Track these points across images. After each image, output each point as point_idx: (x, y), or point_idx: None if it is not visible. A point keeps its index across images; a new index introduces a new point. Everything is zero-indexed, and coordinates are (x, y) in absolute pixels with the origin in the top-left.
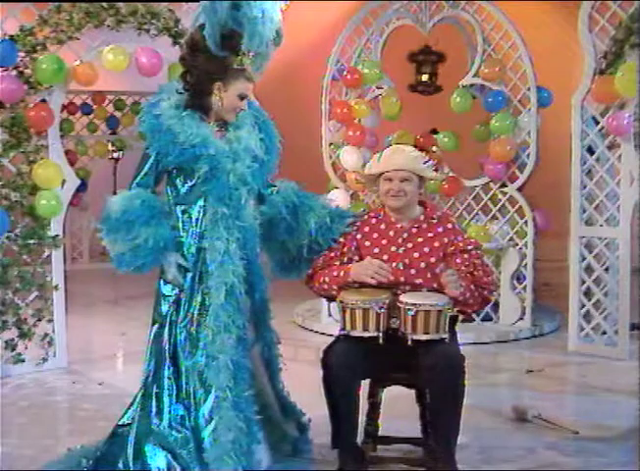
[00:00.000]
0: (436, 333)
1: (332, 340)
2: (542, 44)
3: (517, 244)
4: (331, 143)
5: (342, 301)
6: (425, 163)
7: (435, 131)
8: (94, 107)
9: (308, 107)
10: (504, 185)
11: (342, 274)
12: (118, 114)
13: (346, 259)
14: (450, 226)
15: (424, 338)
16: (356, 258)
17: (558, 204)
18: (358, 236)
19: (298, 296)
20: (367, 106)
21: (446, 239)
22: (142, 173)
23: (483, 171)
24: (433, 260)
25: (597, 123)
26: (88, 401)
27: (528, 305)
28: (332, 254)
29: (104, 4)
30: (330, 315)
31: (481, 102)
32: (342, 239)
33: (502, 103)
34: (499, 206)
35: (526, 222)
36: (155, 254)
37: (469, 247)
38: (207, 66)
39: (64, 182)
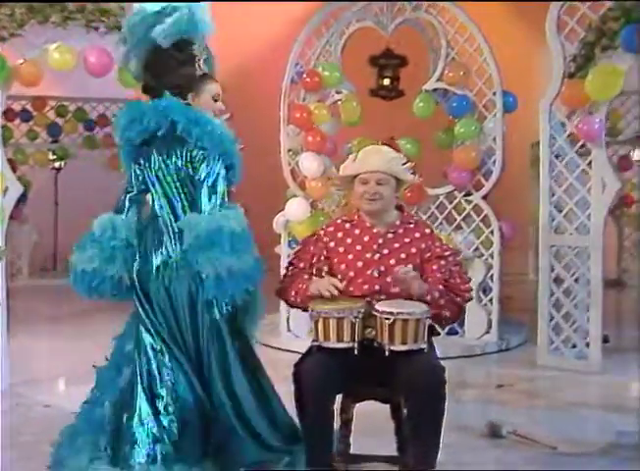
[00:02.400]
0: (414, 343)
1: (292, 355)
2: (504, 48)
3: (483, 255)
4: (289, 149)
5: (314, 311)
6: (403, 165)
7: (392, 140)
8: (34, 113)
9: (266, 111)
10: (468, 194)
11: (304, 287)
12: (60, 121)
13: (314, 270)
14: (427, 231)
15: (402, 348)
16: (325, 268)
17: (519, 214)
18: (331, 244)
19: None
20: (327, 111)
21: (423, 245)
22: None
23: (447, 179)
24: (410, 267)
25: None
26: (33, 425)
27: (494, 318)
28: (301, 264)
29: None
30: (289, 330)
31: (444, 107)
32: (311, 248)
33: (466, 108)
34: (463, 215)
35: (492, 231)
36: None
37: (446, 254)
38: (176, 79)
39: (6, 189)
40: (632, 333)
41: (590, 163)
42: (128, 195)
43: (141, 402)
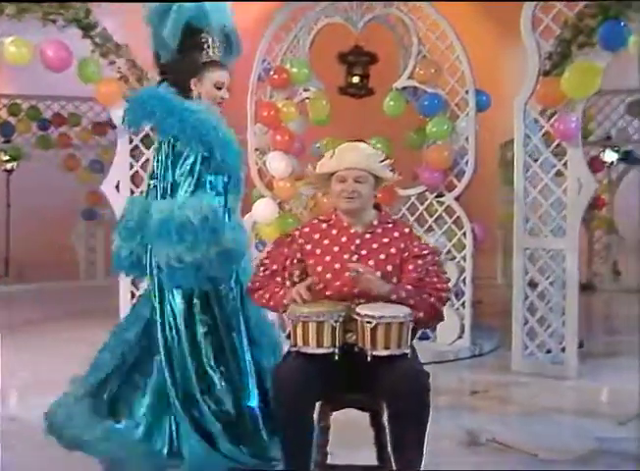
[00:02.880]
0: (397, 348)
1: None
2: (475, 46)
3: (455, 258)
4: (257, 148)
5: (292, 314)
6: (381, 162)
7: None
8: None
9: (232, 109)
10: (440, 195)
11: (280, 293)
12: (12, 120)
13: (287, 274)
14: (406, 230)
15: (385, 353)
16: (297, 272)
17: (487, 216)
18: (307, 246)
19: None
20: (295, 109)
21: (402, 245)
22: None
23: (418, 179)
24: (389, 268)
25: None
26: None
27: (467, 323)
28: (273, 266)
29: None
30: None
31: (415, 106)
32: (285, 249)
33: (438, 107)
34: (435, 217)
35: (464, 233)
36: None
37: (424, 252)
38: (181, 64)
39: None
40: (605, 337)
41: (565, 163)
42: (149, 180)
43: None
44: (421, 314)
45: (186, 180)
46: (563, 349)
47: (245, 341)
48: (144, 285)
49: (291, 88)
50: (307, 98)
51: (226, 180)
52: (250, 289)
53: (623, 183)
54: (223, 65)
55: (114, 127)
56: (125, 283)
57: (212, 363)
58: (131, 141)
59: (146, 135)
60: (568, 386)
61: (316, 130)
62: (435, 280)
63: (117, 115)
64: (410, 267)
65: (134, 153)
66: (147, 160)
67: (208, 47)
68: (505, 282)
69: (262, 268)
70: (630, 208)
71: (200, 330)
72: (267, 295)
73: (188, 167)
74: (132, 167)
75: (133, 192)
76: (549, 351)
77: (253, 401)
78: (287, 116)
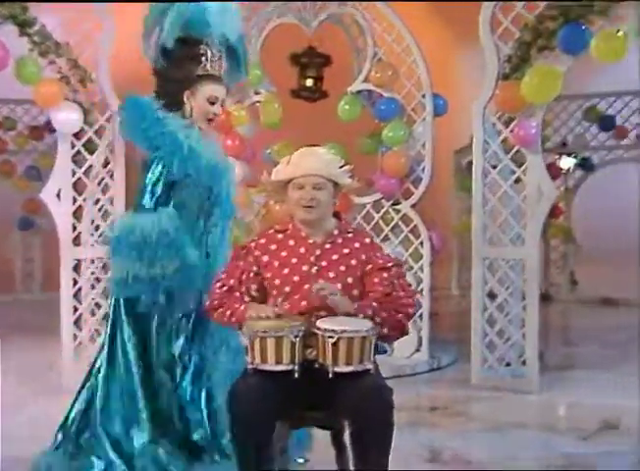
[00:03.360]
0: (360, 363)
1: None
2: (431, 49)
3: (412, 268)
4: None
5: (250, 329)
6: (341, 168)
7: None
8: None
9: None
10: (396, 203)
11: (241, 308)
12: None
13: (244, 288)
14: (367, 241)
15: (347, 369)
16: (254, 286)
17: (442, 225)
18: (264, 258)
19: None
20: (246, 112)
21: (363, 256)
22: None
23: (373, 187)
24: (350, 280)
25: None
26: None
27: (425, 336)
28: (230, 281)
29: None
30: None
31: (370, 111)
32: (240, 263)
33: (395, 111)
34: (391, 226)
35: (421, 243)
36: None
37: (389, 265)
38: (175, 75)
39: None
40: (563, 349)
41: (525, 170)
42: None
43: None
44: (386, 330)
45: (150, 191)
46: (524, 362)
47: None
48: (89, 299)
49: (241, 91)
50: (258, 101)
51: (204, 200)
52: (209, 309)
53: (581, 190)
54: (219, 79)
55: (53, 130)
56: (67, 297)
57: None
58: (72, 146)
59: (89, 140)
60: (530, 400)
61: (267, 134)
62: (401, 294)
63: (57, 118)
64: (376, 280)
65: (77, 159)
66: (91, 166)
67: (206, 60)
68: (460, 293)
69: (219, 284)
70: (588, 216)
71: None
72: (228, 313)
73: (153, 179)
74: (74, 174)
75: (75, 200)
76: (508, 364)
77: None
78: (237, 120)
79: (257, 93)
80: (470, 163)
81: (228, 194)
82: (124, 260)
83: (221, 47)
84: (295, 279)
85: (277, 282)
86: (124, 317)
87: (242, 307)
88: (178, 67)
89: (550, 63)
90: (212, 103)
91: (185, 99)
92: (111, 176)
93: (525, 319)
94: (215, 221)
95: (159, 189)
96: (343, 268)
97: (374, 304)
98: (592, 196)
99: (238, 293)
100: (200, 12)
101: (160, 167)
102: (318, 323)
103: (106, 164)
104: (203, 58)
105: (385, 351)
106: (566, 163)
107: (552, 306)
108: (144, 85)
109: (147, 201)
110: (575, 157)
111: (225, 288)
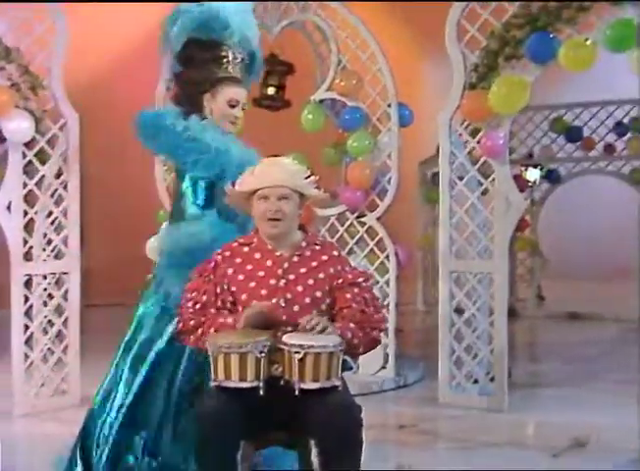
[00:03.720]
0: (327, 380)
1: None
2: (397, 57)
3: (378, 282)
4: (164, 165)
5: (212, 344)
6: (307, 178)
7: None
8: None
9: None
10: (361, 215)
11: (229, 321)
12: None
13: (220, 302)
14: (335, 253)
15: (314, 386)
16: (231, 299)
17: (407, 238)
18: (229, 271)
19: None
20: None
21: (332, 270)
22: None
23: (337, 199)
24: (319, 294)
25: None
26: None
27: (391, 353)
28: (204, 298)
29: None
30: None
31: (333, 120)
32: (211, 276)
33: (359, 121)
34: (356, 239)
35: (387, 256)
36: None
37: (359, 280)
38: (194, 78)
39: None
40: (531, 366)
41: (492, 181)
42: None
43: None
44: (361, 349)
45: (186, 202)
46: (492, 379)
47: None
48: (41, 317)
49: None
50: None
51: None
52: (183, 332)
53: (547, 202)
54: (240, 82)
55: (3, 140)
56: (17, 314)
57: None
58: (24, 156)
59: (41, 150)
60: (498, 418)
61: None
62: (372, 310)
63: (7, 127)
64: (348, 296)
65: (28, 169)
66: (43, 177)
67: (227, 62)
68: (425, 308)
69: (190, 304)
70: (555, 229)
71: None
72: (212, 330)
73: (190, 188)
74: (25, 185)
75: (26, 213)
76: (476, 381)
77: None
78: None
79: None
80: (435, 174)
81: None
82: (180, 272)
83: (242, 50)
84: (263, 292)
85: (243, 296)
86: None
87: (230, 320)
88: (199, 69)
89: (517, 72)
90: (233, 106)
91: (204, 102)
92: (64, 187)
93: (493, 334)
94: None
95: (199, 195)
96: (311, 281)
97: (351, 326)
98: (559, 209)
99: (213, 309)
100: (214, 13)
101: (192, 172)
102: (284, 338)
103: (59, 175)
104: (225, 60)
105: (350, 368)
106: (533, 175)
107: (518, 322)
108: (100, 91)
109: (191, 208)
110: (541, 169)
111: (198, 306)
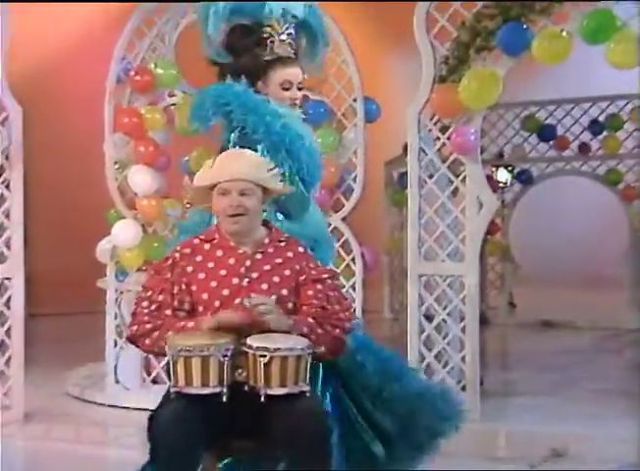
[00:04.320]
0: (295, 385)
1: (122, 412)
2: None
3: (344, 286)
4: (116, 162)
5: (172, 348)
6: (270, 171)
7: None
8: None
9: (87, 116)
10: (326, 215)
11: (189, 325)
12: None
13: (176, 303)
14: (300, 250)
15: (281, 392)
16: (188, 299)
17: (373, 241)
18: (189, 269)
19: (72, 359)
20: (161, 116)
21: (297, 266)
22: None
23: None
24: (285, 292)
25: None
26: None
27: None
28: (160, 297)
29: None
30: (117, 381)
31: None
32: (168, 275)
33: (324, 116)
34: None
35: (353, 259)
36: None
37: (324, 276)
38: (241, 67)
39: None
40: (503, 375)
41: (463, 180)
42: None
43: None
44: (323, 349)
45: None
46: (464, 388)
47: None
48: None
49: (155, 92)
50: (174, 104)
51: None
52: (138, 335)
53: (519, 205)
54: (292, 61)
55: None
56: None
57: None
58: None
59: None
60: (471, 428)
61: (183, 141)
62: (337, 308)
63: None
64: (310, 293)
65: None
66: None
67: (272, 42)
68: (392, 316)
69: (145, 304)
70: (527, 233)
71: None
72: (170, 335)
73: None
74: None
75: None
76: None
77: None
78: (151, 124)
79: (172, 95)
80: (403, 175)
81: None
82: None
83: (289, 25)
84: (225, 292)
85: (204, 296)
86: None
87: (191, 324)
88: (243, 57)
89: (489, 65)
90: (286, 88)
91: (259, 90)
92: (7, 186)
93: (465, 341)
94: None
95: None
96: (276, 279)
97: (310, 320)
98: (531, 212)
99: (169, 310)
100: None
101: (236, 130)
102: (249, 340)
103: (0, 172)
104: (269, 41)
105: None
106: (504, 176)
107: (490, 330)
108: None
109: None
110: (513, 169)
111: (154, 307)
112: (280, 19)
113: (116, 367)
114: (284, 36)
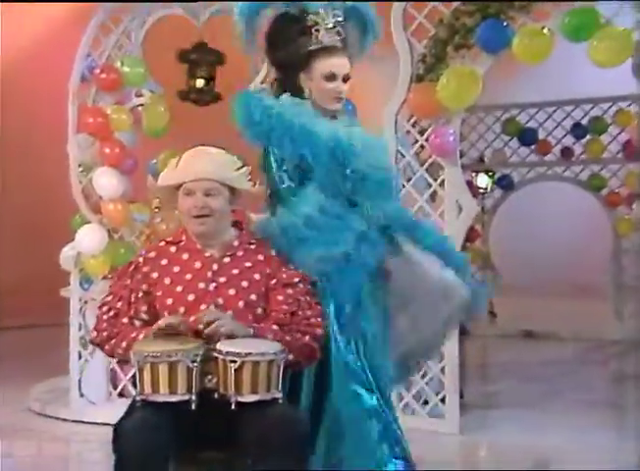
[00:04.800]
0: (267, 391)
1: (87, 427)
2: None
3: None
4: (80, 164)
5: (138, 354)
6: (238, 170)
7: None
8: None
9: (50, 116)
10: None
11: (140, 337)
12: None
13: (132, 311)
14: (272, 252)
15: (252, 399)
16: (144, 308)
17: None
18: (153, 275)
19: (34, 374)
20: (128, 116)
21: (268, 270)
22: None
23: None
24: (254, 297)
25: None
26: None
27: None
28: (118, 304)
29: None
30: (82, 395)
31: None
32: (128, 281)
33: None
34: None
35: None
36: None
37: (295, 280)
38: (284, 58)
39: None
40: (483, 387)
41: (442, 183)
42: None
43: None
44: (292, 356)
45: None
46: (443, 400)
47: None
48: None
49: (121, 91)
50: (141, 104)
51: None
52: (97, 342)
53: (500, 211)
54: (338, 51)
55: None
56: None
57: None
58: None
59: None
60: (452, 441)
61: (152, 142)
62: (308, 313)
63: None
64: (280, 298)
65: None
66: None
67: (317, 31)
68: None
69: (105, 308)
70: (508, 240)
71: None
72: (124, 344)
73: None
74: None
75: None
76: (426, 402)
77: None
78: (117, 124)
79: (140, 95)
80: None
81: (371, 174)
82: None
83: (336, 12)
84: (190, 298)
85: (169, 301)
86: None
87: (141, 336)
88: (287, 47)
89: (468, 63)
90: (330, 80)
91: (302, 83)
92: None
93: (444, 352)
94: (361, 201)
95: (289, 174)
96: (245, 284)
97: (274, 327)
98: (512, 218)
99: (126, 319)
100: None
101: (276, 151)
102: (219, 345)
103: None
104: (314, 29)
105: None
106: (484, 181)
107: (469, 341)
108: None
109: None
110: (493, 175)
111: (112, 314)
112: (327, 5)
113: (80, 380)
114: (330, 23)
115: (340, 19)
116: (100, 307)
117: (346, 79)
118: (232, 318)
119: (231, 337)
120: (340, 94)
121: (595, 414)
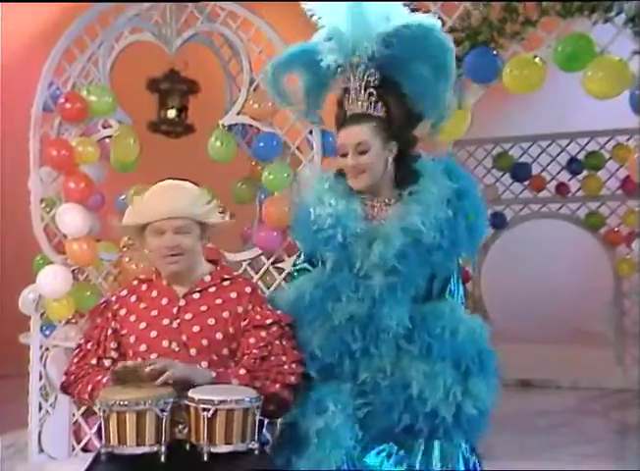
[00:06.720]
0: (242, 442)
1: None
2: None
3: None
4: (42, 199)
5: (104, 402)
6: (207, 203)
7: None
8: None
9: (11, 149)
10: (279, 260)
11: (104, 380)
12: None
13: (101, 350)
14: (247, 290)
15: (225, 449)
16: (114, 346)
17: None
18: (121, 312)
19: None
20: (95, 148)
21: (240, 309)
22: None
23: (250, 241)
24: (219, 336)
25: None
26: None
27: None
28: (88, 345)
29: None
30: (42, 450)
31: (245, 149)
32: (98, 320)
33: (276, 149)
34: (274, 287)
35: None
36: None
37: (268, 322)
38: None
39: None
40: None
41: None
42: None
43: None
44: (268, 405)
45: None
46: None
47: None
48: None
49: (87, 122)
50: (109, 136)
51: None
52: (65, 387)
53: (491, 251)
54: (359, 118)
55: None
56: None
57: None
58: None
59: None
60: None
61: (120, 176)
62: (283, 359)
63: None
64: (251, 340)
65: None
66: None
67: (347, 95)
68: None
69: (77, 351)
70: (501, 283)
71: None
72: (89, 387)
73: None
74: None
75: None
76: None
77: None
78: (83, 157)
79: (107, 126)
80: None
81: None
82: None
83: (368, 65)
84: (153, 334)
85: (132, 339)
86: None
87: (105, 379)
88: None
89: (456, 93)
90: (343, 155)
91: None
92: None
93: None
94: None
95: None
96: (211, 321)
97: (241, 372)
98: (505, 258)
99: (95, 359)
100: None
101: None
102: (190, 392)
103: None
104: (346, 94)
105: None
106: None
107: None
108: None
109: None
110: None
111: (81, 355)
112: (353, 59)
113: (40, 434)
114: (357, 83)
115: (371, 78)
116: (75, 349)
117: (362, 151)
118: (184, 365)
119: (187, 382)
120: (353, 169)
121: (595, 467)
